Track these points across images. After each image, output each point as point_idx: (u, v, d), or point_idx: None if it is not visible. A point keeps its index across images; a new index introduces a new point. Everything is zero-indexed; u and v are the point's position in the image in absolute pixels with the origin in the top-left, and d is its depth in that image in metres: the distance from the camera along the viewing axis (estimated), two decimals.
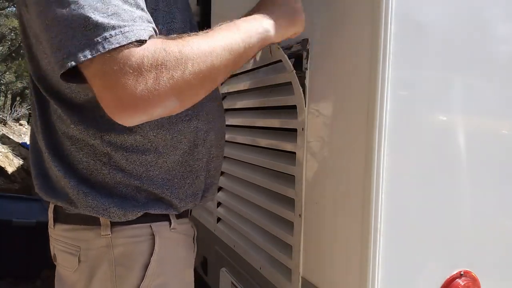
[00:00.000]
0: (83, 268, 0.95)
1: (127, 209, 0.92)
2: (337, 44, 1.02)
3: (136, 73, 0.71)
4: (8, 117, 11.99)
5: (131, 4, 0.76)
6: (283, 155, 1.29)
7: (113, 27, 0.71)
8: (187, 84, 0.76)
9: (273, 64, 1.29)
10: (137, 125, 0.91)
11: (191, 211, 1.09)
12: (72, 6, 0.72)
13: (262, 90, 1.41)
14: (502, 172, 1.03)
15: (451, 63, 0.96)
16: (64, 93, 0.90)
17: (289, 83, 1.18)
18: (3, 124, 10.98)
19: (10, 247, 3.21)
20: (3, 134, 8.69)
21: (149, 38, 0.74)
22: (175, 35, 0.79)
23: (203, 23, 1.96)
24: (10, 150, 7.15)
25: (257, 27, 0.87)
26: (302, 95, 1.13)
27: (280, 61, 1.19)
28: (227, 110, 1.69)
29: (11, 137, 8.95)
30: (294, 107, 1.18)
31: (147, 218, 0.95)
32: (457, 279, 0.97)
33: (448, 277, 0.97)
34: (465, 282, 0.98)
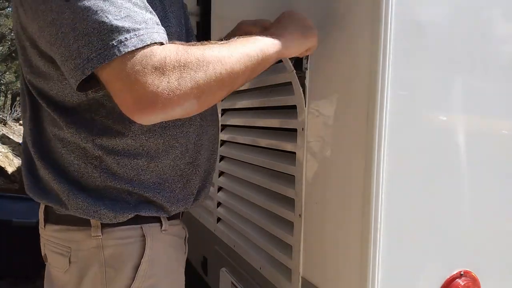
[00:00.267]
0: (73, 269, 0.95)
1: (117, 211, 0.92)
2: (337, 44, 1.02)
3: (158, 72, 0.72)
4: (8, 117, 11.99)
5: (141, 7, 0.78)
6: (283, 155, 1.29)
7: (128, 30, 0.73)
8: (207, 86, 0.77)
9: (273, 64, 1.29)
10: (129, 129, 0.92)
11: (183, 213, 1.09)
12: (86, 13, 0.73)
13: (262, 90, 1.41)
14: (502, 172, 1.03)
15: (451, 63, 0.96)
16: (57, 96, 0.90)
17: (289, 83, 1.18)
18: (3, 124, 10.98)
19: (10, 247, 3.21)
20: (3, 134, 8.69)
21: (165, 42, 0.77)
22: (195, 42, 0.82)
23: (203, 23, 1.96)
24: (10, 150, 7.15)
25: (274, 40, 0.89)
26: (302, 95, 1.12)
27: (281, 61, 1.19)
28: (227, 110, 1.69)
29: (11, 137, 8.95)
30: (294, 107, 1.18)
31: (138, 220, 0.95)
32: (457, 279, 0.97)
33: (448, 277, 0.97)
34: (465, 282, 0.98)
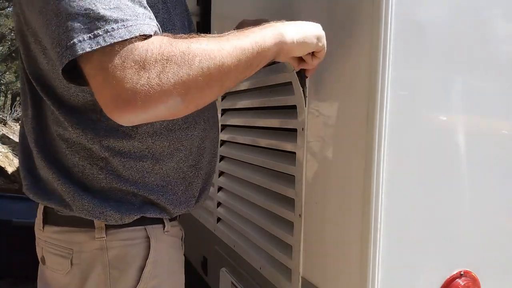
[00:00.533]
0: (75, 271, 0.94)
1: (123, 212, 0.92)
2: (337, 44, 1.02)
3: (137, 66, 0.67)
4: (8, 117, 11.99)
5: (134, 1, 0.73)
6: (283, 155, 1.29)
7: (116, 21, 0.68)
8: (193, 82, 0.71)
9: (274, 64, 1.29)
10: (135, 131, 0.91)
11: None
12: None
13: (262, 90, 1.41)
14: (502, 172, 1.03)
15: (451, 63, 0.96)
16: (62, 95, 0.89)
17: (289, 83, 1.18)
18: (3, 124, 10.98)
19: (10, 247, 3.21)
20: (3, 134, 8.70)
21: (154, 34, 0.72)
22: (183, 35, 0.76)
23: (203, 23, 1.96)
24: (10, 150, 7.16)
25: (272, 30, 0.83)
26: (302, 95, 1.12)
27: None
28: (227, 110, 1.69)
29: (11, 137, 8.95)
30: (294, 107, 1.18)
31: (141, 221, 0.95)
32: (457, 279, 0.97)
33: (448, 277, 0.97)
34: (465, 282, 0.98)
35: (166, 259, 0.99)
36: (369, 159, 0.90)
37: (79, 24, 0.68)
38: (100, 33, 0.67)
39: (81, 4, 0.69)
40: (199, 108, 0.80)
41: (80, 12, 0.69)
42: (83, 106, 0.89)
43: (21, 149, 1.01)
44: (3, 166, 6.27)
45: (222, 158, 1.72)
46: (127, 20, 0.69)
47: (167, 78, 0.69)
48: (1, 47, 15.90)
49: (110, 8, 0.69)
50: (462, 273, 0.98)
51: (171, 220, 1.01)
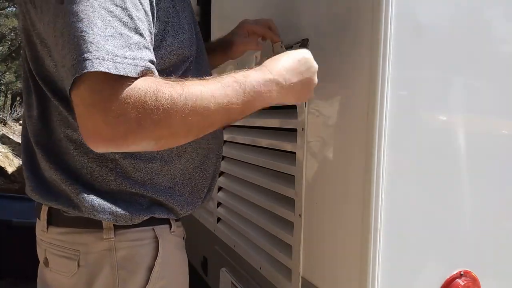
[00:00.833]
0: (82, 272, 0.93)
1: (133, 212, 0.92)
2: (337, 44, 1.02)
3: (120, 111, 0.68)
4: (8, 117, 11.99)
5: (130, 28, 0.73)
6: (283, 155, 1.29)
7: (107, 52, 0.68)
8: (171, 134, 0.73)
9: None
10: None
11: None
12: (74, 19, 0.70)
13: None
14: (502, 172, 1.03)
15: (451, 63, 0.96)
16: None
17: None
18: (3, 124, 10.98)
19: (10, 247, 3.21)
20: (3, 134, 8.70)
21: (143, 73, 0.71)
22: (174, 78, 0.76)
23: (203, 23, 1.96)
24: (10, 150, 7.16)
25: (264, 78, 0.82)
26: None
27: None
28: None
29: (11, 137, 8.95)
30: (294, 107, 1.18)
31: (149, 221, 0.95)
32: (457, 279, 0.97)
33: (448, 277, 0.97)
34: (465, 282, 0.98)
35: (172, 260, 0.99)
36: (369, 159, 0.90)
37: (73, 46, 0.69)
38: (89, 58, 0.68)
39: (79, 26, 0.69)
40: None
41: (77, 34, 0.69)
42: None
43: (24, 150, 1.00)
44: (3, 166, 6.27)
45: (222, 158, 1.72)
46: (116, 55, 0.69)
47: (145, 128, 0.70)
48: (1, 47, 15.89)
49: (105, 36, 0.69)
50: (462, 273, 0.98)
51: (176, 220, 1.02)
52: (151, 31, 0.80)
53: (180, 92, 0.72)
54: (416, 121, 0.93)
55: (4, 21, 15.56)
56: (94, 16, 0.70)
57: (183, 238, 1.09)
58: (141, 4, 0.77)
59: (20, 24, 0.94)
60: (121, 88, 0.69)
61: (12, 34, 15.84)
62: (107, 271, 0.92)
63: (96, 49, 0.68)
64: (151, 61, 0.75)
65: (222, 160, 1.70)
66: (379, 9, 0.88)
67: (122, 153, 0.91)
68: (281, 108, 1.30)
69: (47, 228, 0.97)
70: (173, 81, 0.74)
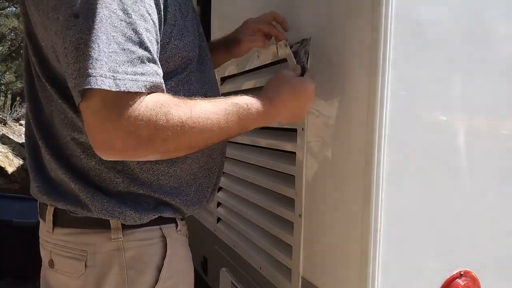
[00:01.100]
0: (89, 273, 0.92)
1: (142, 212, 0.92)
2: (337, 44, 1.02)
3: (132, 128, 0.73)
4: (8, 117, 11.99)
5: (135, 42, 0.75)
6: (283, 155, 1.29)
7: (109, 69, 0.71)
8: (176, 150, 0.81)
9: (277, 63, 1.29)
10: None
11: None
12: (90, 34, 0.72)
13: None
14: (502, 172, 1.03)
15: (451, 63, 0.96)
16: None
17: None
18: (3, 124, 10.98)
19: (10, 247, 3.21)
20: (3, 134, 8.70)
21: (148, 88, 0.75)
22: (182, 97, 0.81)
23: (203, 23, 1.96)
24: (10, 150, 7.15)
25: (264, 112, 0.89)
26: None
27: (285, 60, 1.18)
28: None
29: (11, 137, 8.95)
30: None
31: (157, 221, 0.95)
32: (457, 279, 0.97)
33: (448, 277, 0.97)
34: (465, 282, 0.98)
35: (179, 258, 1.00)
36: (369, 159, 0.90)
37: (82, 61, 0.72)
38: (94, 74, 0.71)
39: (87, 41, 0.72)
40: None
41: (93, 49, 0.72)
42: None
43: (29, 151, 1.00)
44: (3, 166, 6.27)
45: None
46: (116, 72, 0.72)
47: (154, 144, 0.76)
48: (1, 47, 15.89)
49: (109, 53, 0.72)
50: (462, 273, 0.98)
51: (181, 219, 1.02)
52: (158, 40, 0.82)
53: (189, 116, 0.78)
54: (416, 121, 0.93)
55: (4, 21, 15.56)
56: (101, 32, 0.72)
57: (187, 237, 1.09)
58: (149, 14, 0.78)
59: (23, 26, 0.94)
60: (132, 105, 0.73)
61: (12, 34, 15.84)
62: (115, 271, 0.92)
63: (100, 66, 0.71)
64: (156, 74, 0.77)
65: None
66: (379, 9, 0.88)
67: None
68: None
69: (52, 229, 0.96)
70: (182, 101, 0.79)
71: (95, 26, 0.72)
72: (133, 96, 0.73)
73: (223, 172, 1.69)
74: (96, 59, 0.71)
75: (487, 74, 1.00)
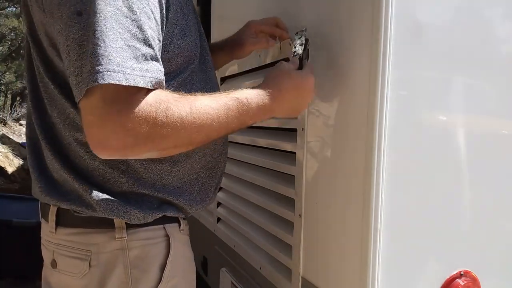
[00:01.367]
0: (94, 273, 0.92)
1: (146, 211, 0.92)
2: (337, 44, 1.02)
3: (131, 124, 0.71)
4: (8, 117, 12.00)
5: (139, 39, 0.75)
6: (283, 155, 1.29)
7: (117, 64, 0.71)
8: (174, 147, 0.80)
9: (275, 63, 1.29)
10: None
11: None
12: (93, 31, 0.71)
13: None
14: (502, 172, 1.03)
15: (451, 63, 0.96)
16: None
17: None
18: (3, 124, 10.98)
19: (10, 247, 3.21)
20: (3, 134, 8.70)
21: (153, 85, 0.74)
22: (183, 93, 0.80)
23: (203, 23, 1.96)
24: (10, 150, 7.16)
25: (264, 106, 0.88)
26: None
27: (288, 59, 1.18)
28: None
29: (11, 137, 8.95)
30: None
31: (160, 220, 0.95)
32: (457, 279, 0.97)
33: (448, 277, 0.97)
34: (465, 282, 0.98)
35: (182, 257, 1.00)
36: (369, 159, 0.90)
37: (87, 58, 0.72)
38: (100, 70, 0.70)
39: (92, 38, 0.71)
40: None
41: (95, 47, 0.72)
42: None
43: (31, 151, 1.00)
44: (3, 166, 6.27)
45: None
46: (124, 67, 0.71)
47: (153, 141, 0.75)
48: (1, 47, 15.89)
49: (116, 48, 0.71)
50: (462, 273, 0.98)
51: (183, 218, 1.02)
52: (160, 39, 0.82)
53: (189, 112, 0.77)
54: (416, 121, 0.93)
55: (4, 21, 15.56)
56: (106, 29, 0.72)
57: (188, 236, 1.10)
58: (152, 13, 0.78)
59: (25, 26, 0.93)
60: (133, 102, 0.72)
61: (12, 34, 15.84)
62: (119, 271, 0.92)
63: (108, 61, 0.70)
64: (159, 71, 0.77)
65: None
66: (379, 9, 0.88)
67: None
68: None
69: (55, 229, 0.96)
70: (183, 97, 0.78)
71: (100, 23, 0.71)
72: (136, 92, 0.72)
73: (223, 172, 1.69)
74: (103, 55, 0.70)
75: (487, 74, 1.00)
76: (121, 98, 0.71)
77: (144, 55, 0.74)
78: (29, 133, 1.01)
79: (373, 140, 0.90)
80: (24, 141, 1.05)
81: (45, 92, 0.94)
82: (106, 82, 0.69)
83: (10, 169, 6.35)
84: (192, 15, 1.00)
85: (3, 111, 12.97)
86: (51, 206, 0.96)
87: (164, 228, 0.96)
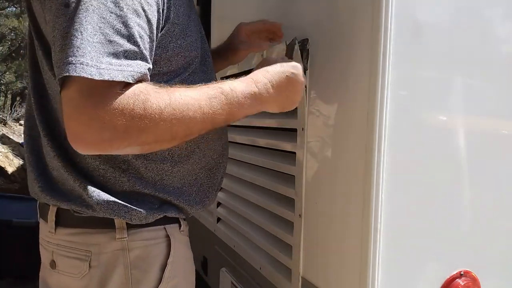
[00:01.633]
0: (94, 273, 0.92)
1: (148, 211, 0.92)
2: (337, 44, 1.02)
3: (107, 117, 0.69)
4: (8, 117, 11.99)
5: (123, 35, 0.73)
6: (283, 155, 1.29)
7: (91, 58, 0.69)
8: (155, 141, 0.76)
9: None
10: None
11: None
12: (78, 23, 0.71)
13: None
14: (502, 172, 1.03)
15: (451, 63, 0.96)
16: None
17: None
18: (3, 124, 10.98)
19: (10, 247, 3.21)
20: (3, 134, 8.69)
21: (132, 79, 0.72)
22: (163, 84, 0.77)
23: (203, 23, 1.96)
24: (10, 150, 7.15)
25: (249, 91, 0.84)
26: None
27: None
28: None
29: (11, 137, 8.95)
30: None
31: (161, 221, 0.95)
32: (457, 279, 0.97)
33: (448, 277, 0.97)
34: (465, 282, 0.98)
35: (182, 258, 1.00)
36: (369, 159, 0.90)
37: (63, 47, 0.71)
38: (73, 61, 0.69)
39: (71, 29, 0.71)
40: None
41: (67, 36, 0.71)
42: None
43: (30, 150, 0.99)
44: (3, 166, 6.27)
45: None
46: (100, 62, 0.70)
47: (131, 135, 0.72)
48: (1, 47, 15.89)
49: (93, 42, 0.70)
50: (462, 273, 0.98)
51: (184, 219, 1.02)
52: (153, 38, 0.80)
53: (168, 103, 0.74)
54: (416, 121, 0.93)
55: (4, 21, 15.55)
56: (86, 22, 0.71)
57: (188, 237, 1.10)
58: (144, 11, 0.77)
59: (28, 22, 0.93)
60: (110, 94, 0.70)
61: (12, 34, 15.84)
62: (120, 271, 0.92)
63: (82, 54, 0.69)
64: (143, 66, 0.75)
65: None
66: (379, 9, 0.88)
67: (134, 154, 0.91)
68: None
69: (55, 230, 0.95)
70: (162, 89, 0.76)
71: (81, 16, 0.71)
72: (115, 85, 0.71)
73: None
74: (78, 47, 0.69)
75: (487, 74, 1.00)
76: (97, 90, 0.70)
77: (126, 51, 0.73)
78: (28, 131, 1.01)
79: (373, 140, 0.90)
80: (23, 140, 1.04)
81: (49, 88, 0.93)
82: (77, 75, 0.68)
83: (10, 169, 6.35)
84: (193, 16, 1.00)
85: (3, 111, 12.96)
86: (50, 206, 0.96)
87: (164, 228, 0.96)
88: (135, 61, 0.74)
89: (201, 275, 1.97)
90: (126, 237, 0.92)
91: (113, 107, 0.70)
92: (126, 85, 0.72)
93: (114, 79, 0.70)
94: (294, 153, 1.18)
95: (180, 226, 1.00)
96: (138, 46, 0.75)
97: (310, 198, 1.12)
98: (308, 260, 1.13)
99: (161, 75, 0.89)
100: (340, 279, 1.01)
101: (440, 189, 0.96)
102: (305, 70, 1.12)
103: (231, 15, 1.73)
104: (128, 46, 0.73)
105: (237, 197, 1.58)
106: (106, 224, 0.91)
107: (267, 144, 1.38)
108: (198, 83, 0.98)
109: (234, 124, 1.62)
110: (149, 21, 0.79)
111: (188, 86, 0.80)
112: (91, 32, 0.71)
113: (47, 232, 0.98)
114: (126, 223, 0.92)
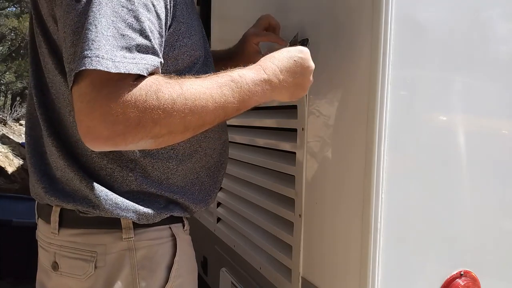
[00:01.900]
0: (99, 274, 0.91)
1: (155, 211, 0.92)
2: (337, 44, 1.02)
3: (120, 109, 0.68)
4: (8, 117, 11.98)
5: (135, 29, 0.73)
6: (283, 155, 1.29)
7: (107, 51, 0.69)
8: (169, 133, 0.74)
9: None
10: None
11: None
12: (88, 19, 0.71)
13: None
14: (502, 172, 1.03)
15: (451, 63, 0.96)
16: None
17: None
18: (3, 124, 10.98)
19: (10, 247, 3.21)
20: (3, 134, 8.69)
21: (146, 72, 0.72)
22: (174, 76, 0.77)
23: (203, 23, 1.96)
24: (10, 150, 7.15)
25: (259, 78, 0.84)
26: None
27: None
28: None
29: (11, 137, 8.94)
30: (294, 107, 1.18)
31: (166, 220, 0.95)
32: (457, 279, 0.97)
33: (448, 277, 0.97)
34: (465, 282, 0.98)
35: (187, 257, 1.01)
36: (369, 159, 0.90)
37: (78, 41, 0.71)
38: (89, 55, 0.68)
39: (85, 24, 0.71)
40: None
41: (80, 30, 0.71)
42: None
43: (32, 151, 0.98)
44: (3, 166, 6.27)
45: None
46: (114, 55, 0.69)
47: (145, 127, 0.71)
48: (1, 47, 15.88)
49: (107, 35, 0.70)
50: (462, 273, 0.98)
51: (187, 219, 1.03)
52: (162, 33, 0.80)
53: (180, 92, 0.73)
54: (416, 121, 0.93)
55: (4, 21, 15.54)
56: (100, 15, 0.71)
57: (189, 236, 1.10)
58: (153, 6, 0.77)
59: (34, 19, 0.93)
60: (123, 87, 0.69)
61: (12, 34, 15.84)
62: (127, 271, 0.91)
63: (97, 47, 0.69)
64: (156, 60, 0.75)
65: None
66: (379, 9, 0.88)
67: (141, 152, 0.91)
68: (281, 108, 1.30)
69: (58, 231, 0.94)
70: (173, 80, 0.75)
71: (95, 10, 0.71)
72: (128, 78, 0.70)
73: None
74: (93, 40, 0.69)
75: (487, 74, 1.00)
76: (110, 83, 0.69)
77: (138, 45, 0.73)
78: (30, 131, 1.00)
79: (373, 140, 0.90)
80: (24, 141, 1.03)
81: (52, 87, 0.93)
82: (93, 68, 0.67)
83: (10, 169, 6.35)
84: (195, 16, 1.00)
85: (3, 111, 12.95)
86: (53, 207, 0.94)
87: (170, 228, 0.96)
88: (147, 55, 0.74)
89: (201, 275, 1.97)
90: (132, 237, 0.91)
91: (125, 99, 0.69)
92: (138, 78, 0.71)
93: (130, 72, 0.69)
94: (294, 153, 1.18)
95: (183, 225, 1.00)
96: (150, 40, 0.75)
97: (310, 198, 1.12)
98: (308, 260, 1.13)
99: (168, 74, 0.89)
100: (340, 279, 1.01)
101: (440, 189, 0.96)
102: None
103: (231, 15, 1.73)
104: (140, 40, 0.73)
105: (237, 197, 1.58)
106: (112, 224, 0.91)
107: (267, 144, 1.38)
108: None
109: (234, 124, 1.62)
110: (158, 17, 0.79)
111: (197, 76, 0.79)
112: (105, 25, 0.70)
113: (49, 233, 0.96)
114: (132, 222, 0.91)
